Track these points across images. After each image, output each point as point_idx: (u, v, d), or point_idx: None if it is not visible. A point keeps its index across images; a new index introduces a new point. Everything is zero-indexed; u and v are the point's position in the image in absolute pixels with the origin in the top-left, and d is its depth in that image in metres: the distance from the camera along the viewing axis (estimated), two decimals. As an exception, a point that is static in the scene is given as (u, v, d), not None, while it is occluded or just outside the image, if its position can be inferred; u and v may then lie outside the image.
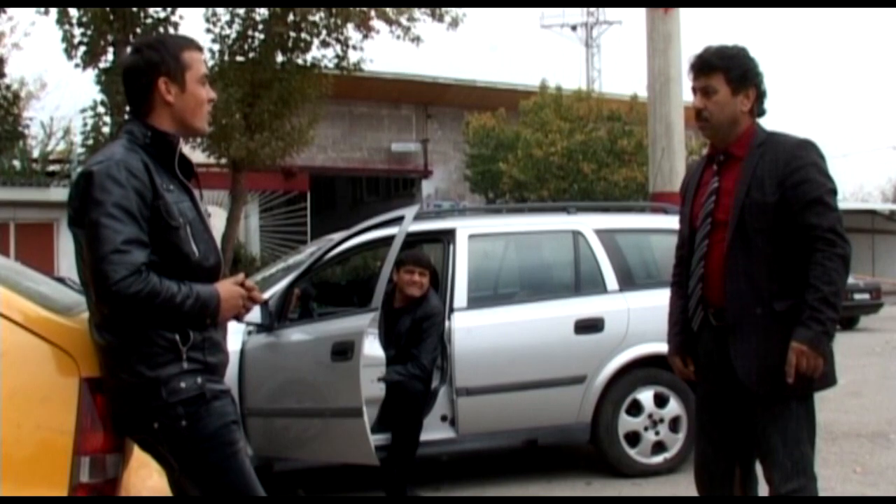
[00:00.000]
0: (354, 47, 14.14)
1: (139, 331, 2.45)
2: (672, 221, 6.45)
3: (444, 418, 5.48)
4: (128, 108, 2.76)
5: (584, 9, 37.70)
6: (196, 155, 14.66)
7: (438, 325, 5.46)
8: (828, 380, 3.15)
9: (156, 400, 2.45)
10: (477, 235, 5.91)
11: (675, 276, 3.43)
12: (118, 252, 2.36)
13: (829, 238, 2.97)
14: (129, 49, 2.78)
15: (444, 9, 13.83)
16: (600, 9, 37.62)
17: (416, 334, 5.42)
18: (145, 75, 2.59)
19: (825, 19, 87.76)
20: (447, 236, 5.88)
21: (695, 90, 3.21)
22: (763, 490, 3.26)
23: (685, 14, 10.52)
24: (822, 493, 3.27)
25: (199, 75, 2.63)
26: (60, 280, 3.92)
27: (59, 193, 16.13)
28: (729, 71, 3.13)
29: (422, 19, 13.87)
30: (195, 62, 2.63)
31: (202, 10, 13.70)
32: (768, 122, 3.30)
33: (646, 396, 5.74)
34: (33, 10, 13.42)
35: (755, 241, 3.08)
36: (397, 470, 5.16)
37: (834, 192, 3.08)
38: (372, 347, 4.90)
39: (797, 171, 3.04)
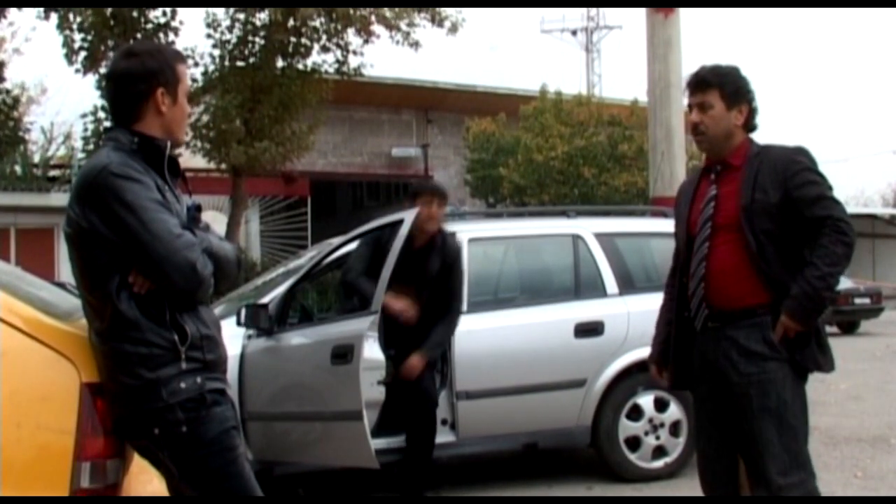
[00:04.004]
0: (355, 52, 14.14)
1: (139, 334, 2.46)
2: (672, 224, 6.50)
3: (444, 422, 5.48)
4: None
5: (585, 14, 37.75)
6: (196, 160, 14.68)
7: (462, 269, 5.43)
8: (818, 362, 3.24)
9: (156, 402, 2.45)
10: (477, 239, 5.92)
11: (668, 285, 3.58)
12: (178, 236, 2.47)
13: (840, 227, 3.13)
14: (121, 52, 2.77)
15: (443, 14, 13.84)
16: (600, 14, 37.65)
17: (446, 277, 5.31)
18: (144, 82, 2.57)
19: (825, 22, 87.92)
20: (447, 240, 5.87)
21: (691, 106, 3.39)
22: None
23: (686, 19, 10.55)
24: (822, 498, 3.27)
25: (186, 89, 2.67)
26: (61, 285, 3.93)
27: (60, 198, 16.12)
28: (723, 87, 3.31)
29: (421, 24, 13.88)
30: (184, 76, 2.66)
31: (202, 15, 13.72)
32: (770, 128, 3.42)
33: (646, 401, 5.74)
34: (34, 15, 13.43)
35: (761, 243, 3.21)
36: (418, 471, 5.16)
37: (832, 190, 3.25)
38: (372, 350, 4.89)
39: (797, 174, 3.21)
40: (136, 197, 2.43)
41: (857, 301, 16.74)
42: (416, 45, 13.81)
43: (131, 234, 2.43)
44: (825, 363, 3.26)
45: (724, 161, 3.36)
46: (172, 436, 2.47)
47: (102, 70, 13.49)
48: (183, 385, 2.47)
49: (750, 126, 3.37)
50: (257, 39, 13.64)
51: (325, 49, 14.01)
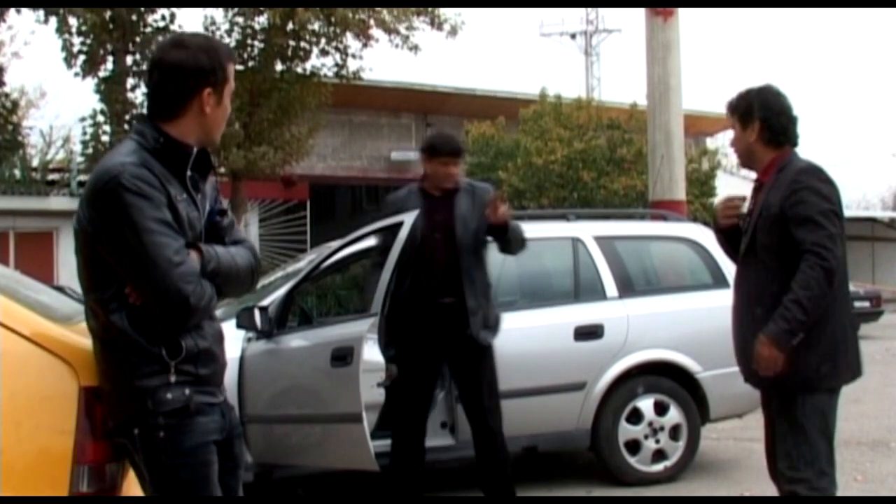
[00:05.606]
0: (353, 56, 14.17)
1: (127, 344, 2.40)
2: (671, 228, 6.50)
3: (443, 425, 5.49)
4: (145, 105, 2.70)
5: (584, 17, 37.75)
6: (196, 163, 14.68)
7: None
8: (805, 384, 3.32)
9: (141, 408, 2.40)
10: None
11: None
12: (176, 265, 2.34)
13: (815, 251, 3.23)
14: (171, 42, 2.57)
15: (442, 16, 13.85)
16: (600, 17, 37.66)
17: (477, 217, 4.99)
18: (193, 79, 2.43)
19: (825, 24, 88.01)
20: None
21: None
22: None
23: (685, 22, 10.56)
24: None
25: (232, 89, 2.54)
26: (60, 289, 3.91)
27: (59, 202, 16.12)
28: (737, 109, 3.53)
29: (421, 28, 13.90)
30: (232, 76, 2.53)
31: (201, 18, 13.77)
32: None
33: (646, 404, 5.73)
34: (33, 18, 13.46)
35: (762, 257, 3.39)
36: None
37: (830, 212, 3.30)
38: (371, 352, 4.89)
39: (794, 193, 3.32)
40: (141, 216, 2.31)
41: (857, 304, 16.68)
42: (415, 48, 13.82)
43: (130, 252, 2.34)
44: (823, 380, 3.33)
45: (759, 177, 3.54)
46: (150, 439, 2.41)
47: (101, 74, 13.53)
48: (169, 396, 2.40)
49: (775, 141, 3.47)
50: (256, 43, 13.67)
51: (324, 53, 14.04)
